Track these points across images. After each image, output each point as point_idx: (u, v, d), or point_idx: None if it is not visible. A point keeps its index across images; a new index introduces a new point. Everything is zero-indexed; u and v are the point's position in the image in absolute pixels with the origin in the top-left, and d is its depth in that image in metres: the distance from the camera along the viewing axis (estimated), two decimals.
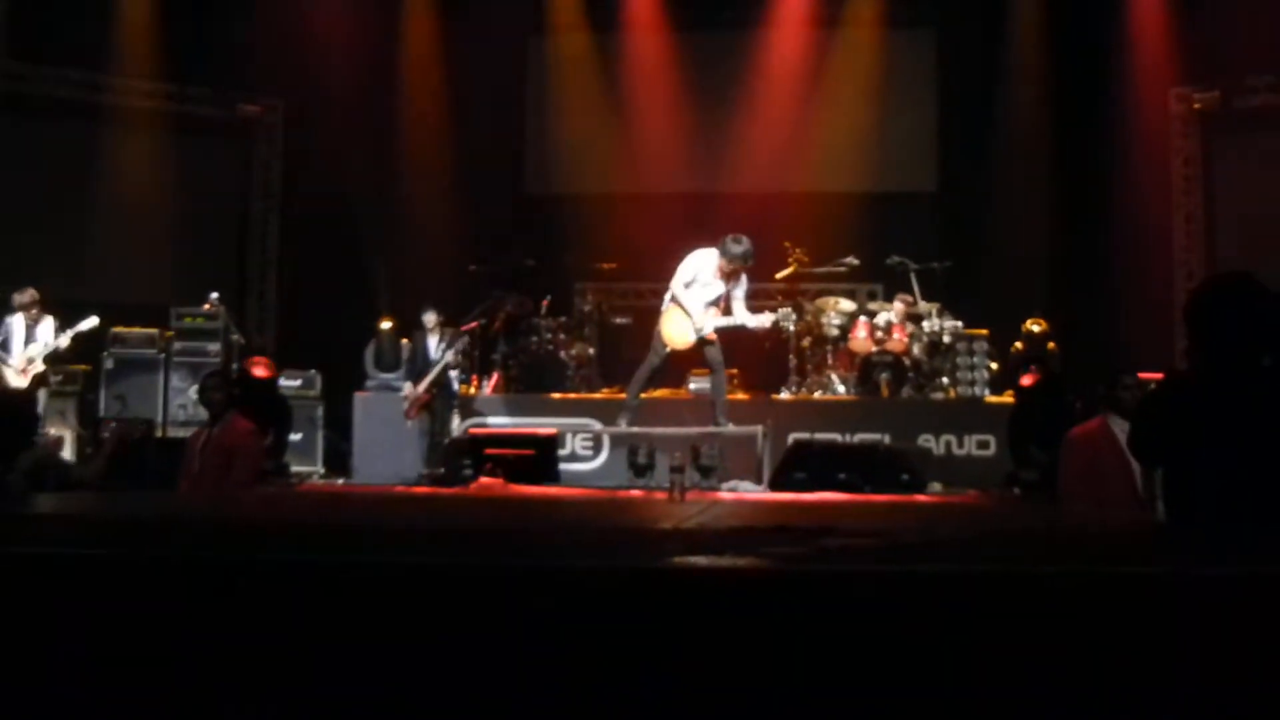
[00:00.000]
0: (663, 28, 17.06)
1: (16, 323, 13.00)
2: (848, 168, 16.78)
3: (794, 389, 13.96)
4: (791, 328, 12.07)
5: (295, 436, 13.06)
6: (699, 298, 11.43)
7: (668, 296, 11.64)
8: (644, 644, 2.31)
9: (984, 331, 14.29)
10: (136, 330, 14.42)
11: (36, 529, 3.82)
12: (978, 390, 14.03)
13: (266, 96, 17.01)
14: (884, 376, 13.62)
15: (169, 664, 2.36)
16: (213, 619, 2.39)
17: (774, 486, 11.00)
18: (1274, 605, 2.32)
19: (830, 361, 14.21)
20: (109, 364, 14.23)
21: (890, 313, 14.15)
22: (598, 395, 13.93)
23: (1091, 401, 8.04)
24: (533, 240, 15.88)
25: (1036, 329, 14.07)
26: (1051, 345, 13.78)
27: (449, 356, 13.26)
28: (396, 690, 2.30)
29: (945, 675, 2.29)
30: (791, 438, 12.17)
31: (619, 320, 15.43)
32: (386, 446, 13.29)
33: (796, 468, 11.09)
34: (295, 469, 12.65)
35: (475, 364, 14.56)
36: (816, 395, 13.92)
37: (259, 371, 11.01)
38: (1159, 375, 4.89)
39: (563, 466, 12.23)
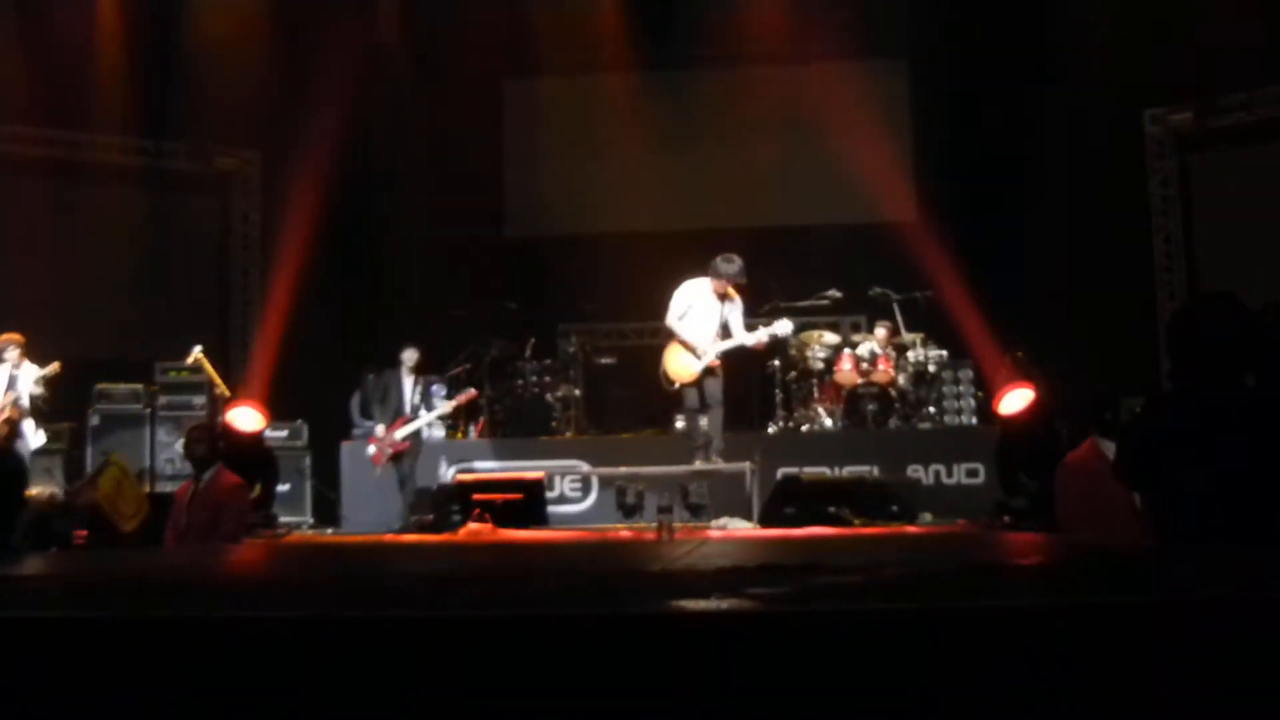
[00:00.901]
0: (638, 67, 17.09)
1: (1, 370, 12.93)
2: (826, 200, 16.81)
3: (781, 424, 13.96)
4: (786, 334, 12.00)
5: (283, 487, 13.04)
6: (699, 327, 11.48)
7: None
8: (630, 690, 2.29)
9: (968, 360, 14.31)
10: (121, 386, 14.41)
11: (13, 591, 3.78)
12: (965, 419, 14.07)
13: (243, 148, 17.01)
14: (871, 408, 13.62)
15: None
16: (199, 685, 2.36)
17: (764, 522, 10.99)
18: (1264, 630, 2.29)
19: (817, 395, 14.23)
20: (95, 420, 14.22)
21: (874, 344, 14.17)
22: (585, 437, 13.92)
23: (1079, 426, 8.02)
24: (515, 283, 15.89)
25: (1021, 355, 14.08)
26: (1036, 371, 13.78)
27: (444, 407, 13.20)
28: None
29: (935, 713, 2.26)
30: (780, 472, 12.15)
31: (604, 361, 15.44)
32: (374, 495, 13.24)
33: (786, 503, 11.09)
34: (283, 520, 12.61)
35: (462, 409, 14.53)
36: (804, 429, 13.92)
37: (244, 424, 10.96)
38: (1144, 396, 4.89)
39: (552, 509, 12.22)
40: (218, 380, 14.61)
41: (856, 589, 3.02)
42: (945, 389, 14.26)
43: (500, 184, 17.92)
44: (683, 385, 11.64)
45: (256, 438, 11.21)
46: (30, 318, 14.42)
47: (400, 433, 12.90)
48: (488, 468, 13.18)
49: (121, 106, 15.68)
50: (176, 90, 15.66)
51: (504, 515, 10.96)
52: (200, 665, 2.40)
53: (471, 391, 13.70)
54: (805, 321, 15.00)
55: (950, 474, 12.89)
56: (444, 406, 13.21)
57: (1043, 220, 15.35)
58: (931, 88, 16.62)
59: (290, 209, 16.14)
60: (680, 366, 11.60)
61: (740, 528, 10.86)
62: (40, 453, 13.38)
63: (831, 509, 10.70)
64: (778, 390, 14.17)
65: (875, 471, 12.57)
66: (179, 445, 12.23)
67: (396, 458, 12.94)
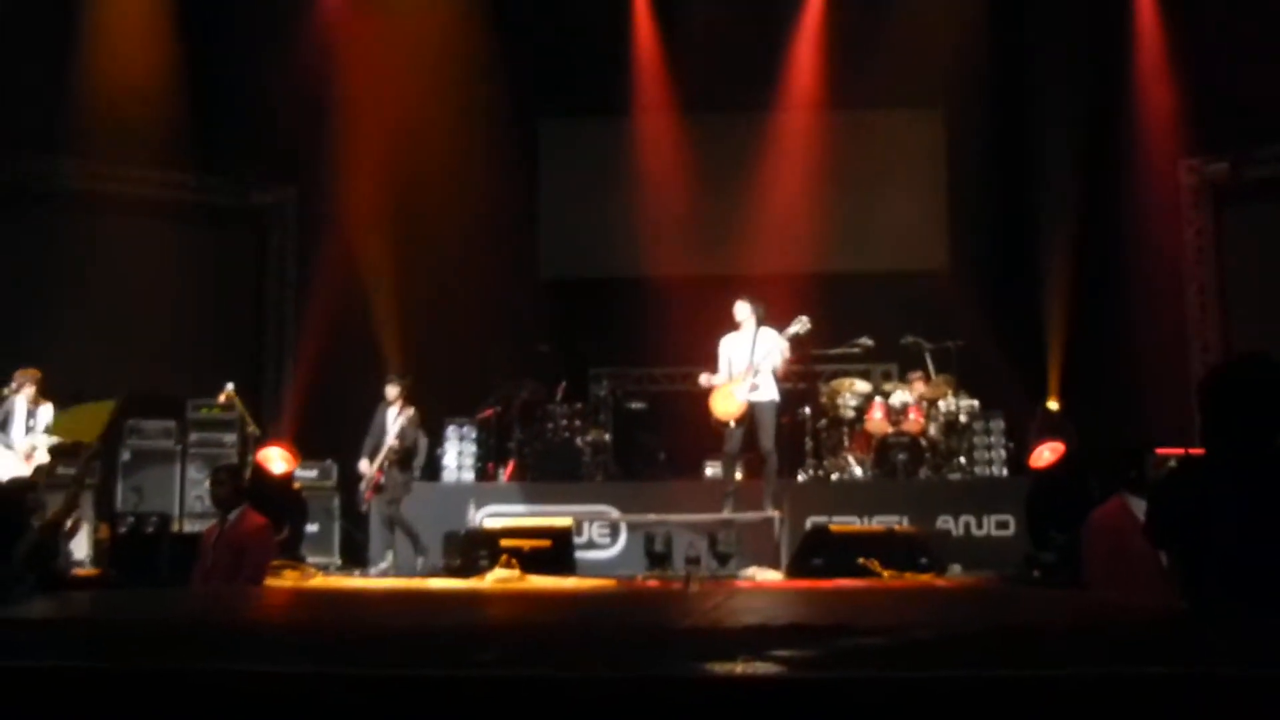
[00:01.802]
0: (674, 110, 17.13)
1: (19, 404, 12.95)
2: (860, 248, 16.81)
3: (811, 472, 13.93)
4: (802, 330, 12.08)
5: (311, 528, 13.05)
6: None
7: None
8: None
9: (1000, 410, 14.27)
10: (153, 422, 14.42)
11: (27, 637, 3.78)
12: (995, 470, 14.00)
13: (280, 184, 17.09)
14: (901, 458, 13.56)
15: None
16: None
17: (791, 573, 10.95)
18: None
19: (847, 444, 14.20)
20: (125, 456, 14.21)
21: (906, 393, 14.13)
22: (614, 482, 13.91)
23: (1109, 481, 7.97)
24: (548, 325, 15.92)
25: (1053, 407, 14.05)
26: (1067, 423, 13.73)
27: (397, 430, 13.12)
28: None
29: None
30: (809, 521, 12.12)
31: (634, 405, 15.44)
32: (403, 537, 13.22)
33: (814, 553, 11.05)
34: (311, 560, 12.60)
35: (491, 452, 14.55)
36: (834, 478, 13.88)
37: (275, 466, 10.99)
38: (1176, 450, 4.85)
39: (580, 554, 12.19)
40: (249, 418, 14.65)
41: (884, 653, 3.00)
42: (976, 439, 14.21)
43: (535, 226, 17.96)
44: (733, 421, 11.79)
45: (286, 479, 11.24)
46: (62, 351, 14.50)
47: (375, 465, 12.93)
48: (516, 511, 13.15)
49: (160, 140, 15.75)
50: (214, 125, 15.73)
51: (532, 562, 10.95)
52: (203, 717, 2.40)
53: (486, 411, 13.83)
54: (837, 369, 15.00)
55: (980, 525, 12.82)
56: (395, 430, 13.14)
57: (1075, 270, 15.33)
58: (966, 138, 16.62)
59: (326, 246, 16.22)
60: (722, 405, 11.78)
61: (768, 578, 10.83)
62: (61, 486, 13.37)
63: (860, 560, 10.64)
64: (808, 438, 14.14)
65: (905, 522, 12.49)
66: (208, 484, 12.26)
67: (378, 492, 12.95)
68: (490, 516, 12.96)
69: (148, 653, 2.98)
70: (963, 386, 14.25)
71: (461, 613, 5.27)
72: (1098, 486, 8.92)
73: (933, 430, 13.99)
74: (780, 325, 11.94)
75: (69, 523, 11.86)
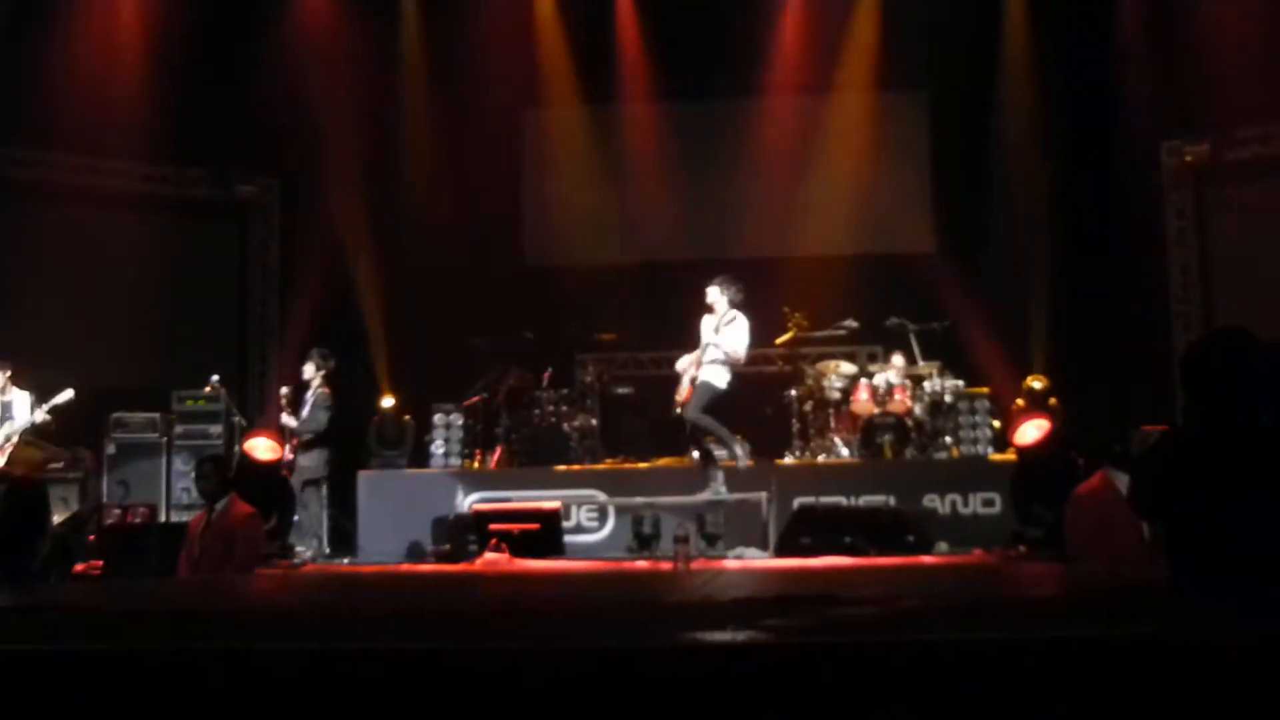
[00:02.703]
0: (657, 98, 17.10)
1: None
2: (844, 231, 16.80)
3: (798, 453, 13.96)
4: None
5: (299, 517, 13.03)
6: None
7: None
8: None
9: (985, 390, 14.33)
10: (138, 415, 14.38)
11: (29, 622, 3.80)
12: (981, 449, 14.05)
13: (262, 176, 17.05)
14: (887, 438, 13.58)
15: None
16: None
17: (780, 552, 10.98)
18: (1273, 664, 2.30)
19: (833, 425, 14.22)
20: (111, 449, 14.18)
21: (891, 374, 14.17)
22: (602, 466, 13.93)
23: (1093, 457, 8.02)
24: (533, 312, 15.92)
25: (1037, 385, 14.10)
26: (1053, 401, 13.78)
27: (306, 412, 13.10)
28: None
29: None
30: (796, 502, 12.13)
31: (621, 390, 15.46)
32: (392, 524, 13.24)
33: (802, 533, 11.07)
34: (299, 549, 12.60)
35: (478, 439, 14.56)
36: (820, 459, 13.91)
37: (261, 455, 10.99)
38: (1161, 427, 4.89)
39: (568, 538, 12.20)
40: (234, 409, 14.65)
41: (872, 621, 3.04)
42: (962, 419, 14.25)
43: (519, 213, 17.92)
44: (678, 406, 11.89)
45: (273, 467, 11.24)
46: (48, 344, 14.47)
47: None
48: (504, 497, 13.15)
49: (142, 133, 15.70)
50: (196, 117, 15.68)
51: (521, 545, 10.96)
52: (210, 697, 2.43)
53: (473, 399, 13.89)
54: (822, 351, 15.03)
55: (966, 504, 12.84)
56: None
57: (1058, 251, 15.37)
58: (950, 120, 16.64)
59: (308, 237, 16.19)
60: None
61: (756, 558, 10.86)
62: (56, 481, 13.37)
63: (847, 539, 10.68)
64: (794, 420, 14.17)
65: (891, 501, 12.52)
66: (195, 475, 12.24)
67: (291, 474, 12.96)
68: (478, 502, 12.96)
69: (148, 636, 3.00)
70: (948, 366, 14.28)
71: (452, 593, 5.30)
72: (1082, 463, 8.99)
73: (918, 410, 14.01)
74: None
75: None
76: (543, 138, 18.02)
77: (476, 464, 14.37)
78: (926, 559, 10.40)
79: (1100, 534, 7.25)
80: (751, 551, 11.10)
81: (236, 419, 14.63)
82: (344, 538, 14.01)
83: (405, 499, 13.32)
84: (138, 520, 12.15)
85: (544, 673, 2.39)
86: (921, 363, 14.38)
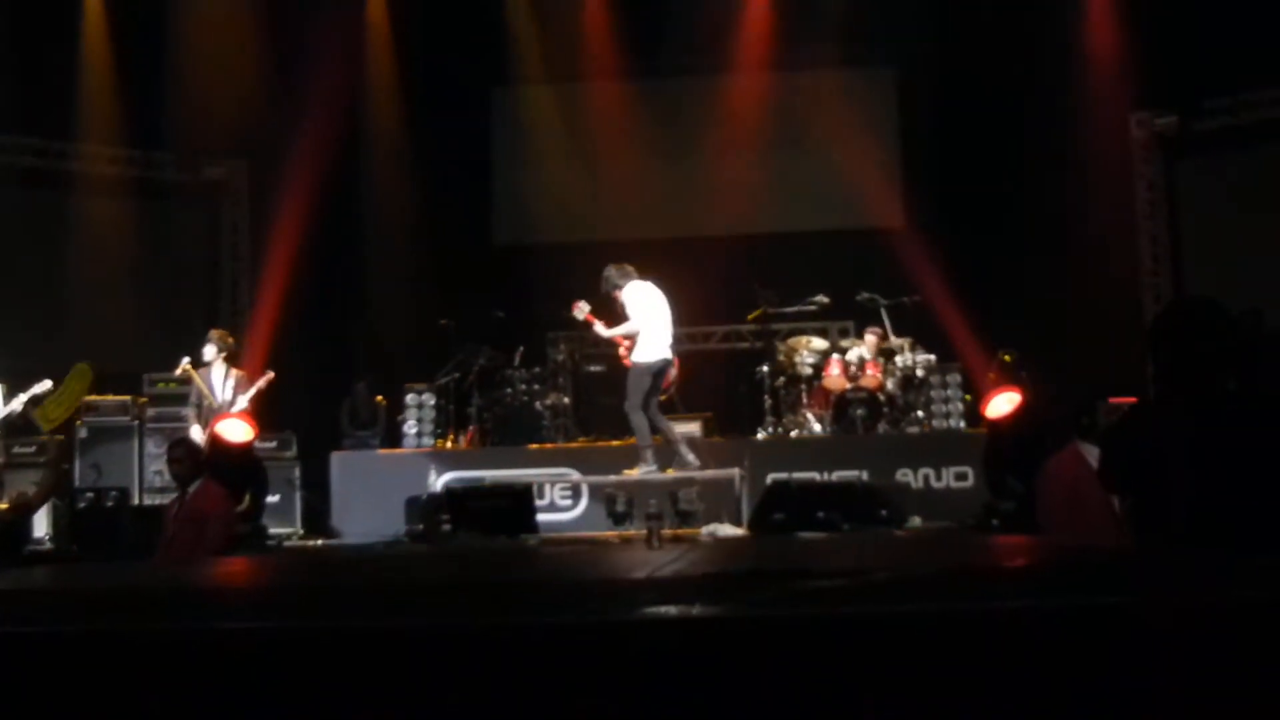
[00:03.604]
0: (625, 76, 17.07)
1: None
2: (814, 207, 16.84)
3: (770, 429, 13.98)
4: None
5: (272, 498, 13.00)
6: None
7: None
8: (618, 697, 2.30)
9: (956, 364, 14.37)
10: (110, 398, 14.32)
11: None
12: (953, 423, 14.11)
13: (231, 158, 16.97)
14: (859, 413, 13.62)
15: None
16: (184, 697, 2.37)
17: (753, 528, 11.00)
18: (1248, 632, 2.31)
19: (805, 400, 14.26)
20: (83, 433, 14.11)
21: (863, 349, 14.20)
22: (575, 444, 13.93)
23: (1063, 430, 8.04)
24: (503, 291, 15.89)
25: (1008, 359, 14.13)
26: (1023, 374, 13.81)
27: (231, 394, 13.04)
28: None
29: (923, 715, 2.28)
30: (769, 478, 12.17)
31: (593, 369, 15.42)
32: (365, 504, 13.23)
33: (775, 508, 11.09)
34: (273, 531, 12.58)
35: (451, 418, 14.54)
36: (793, 435, 13.94)
37: (233, 436, 10.95)
38: (1130, 400, 4.90)
39: (542, 517, 12.19)
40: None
41: (843, 594, 3.04)
42: (933, 393, 14.30)
43: (488, 192, 17.90)
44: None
45: (246, 449, 11.20)
46: (16, 329, 14.40)
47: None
48: (477, 476, 13.14)
49: (109, 116, 15.62)
50: (164, 100, 15.59)
51: (493, 523, 10.96)
52: (192, 677, 2.42)
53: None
54: (793, 327, 15.05)
55: (939, 478, 12.91)
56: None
57: (1029, 224, 15.40)
58: (918, 94, 16.65)
59: (278, 218, 16.11)
60: None
61: (730, 533, 10.88)
62: (27, 465, 13.32)
63: (821, 514, 10.70)
64: (766, 396, 14.19)
65: (864, 476, 12.56)
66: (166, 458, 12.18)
67: None
68: (452, 482, 12.95)
69: (123, 616, 2.99)
70: (919, 341, 14.32)
71: (425, 570, 5.29)
72: (1052, 435, 9.01)
73: (890, 385, 14.06)
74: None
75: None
76: (512, 116, 17.99)
77: (449, 444, 14.36)
78: (899, 533, 10.45)
79: (1072, 507, 7.27)
80: (725, 528, 11.11)
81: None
82: (318, 519, 13.99)
83: (378, 479, 13.31)
84: (109, 505, 12.08)
85: (510, 648, 2.38)
86: (893, 338, 14.42)
